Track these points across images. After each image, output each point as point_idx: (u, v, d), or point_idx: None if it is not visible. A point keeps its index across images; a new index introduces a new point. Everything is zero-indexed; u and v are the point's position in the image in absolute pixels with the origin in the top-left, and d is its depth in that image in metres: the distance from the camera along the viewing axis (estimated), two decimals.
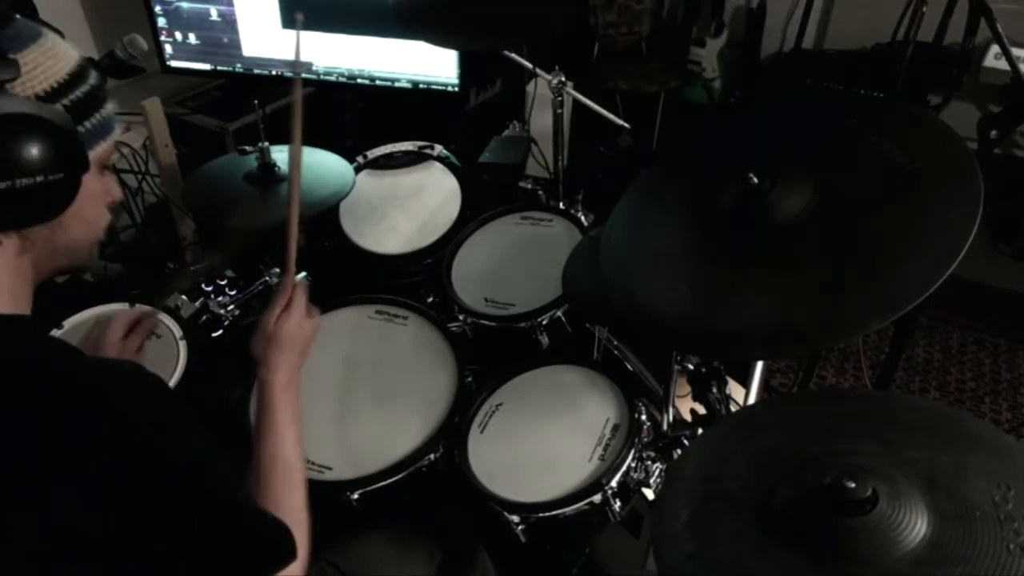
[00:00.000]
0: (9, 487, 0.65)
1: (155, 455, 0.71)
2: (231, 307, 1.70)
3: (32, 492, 0.66)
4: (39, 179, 0.72)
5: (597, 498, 1.19)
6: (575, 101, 1.88)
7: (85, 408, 0.68)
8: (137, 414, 0.71)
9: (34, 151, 0.71)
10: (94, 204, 0.82)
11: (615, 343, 1.63)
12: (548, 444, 1.29)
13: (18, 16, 0.77)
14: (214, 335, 1.67)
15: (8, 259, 0.76)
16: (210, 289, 1.80)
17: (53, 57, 0.75)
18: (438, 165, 1.93)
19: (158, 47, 2.23)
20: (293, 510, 0.89)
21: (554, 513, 1.19)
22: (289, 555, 0.80)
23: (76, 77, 0.77)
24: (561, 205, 1.82)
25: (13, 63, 0.71)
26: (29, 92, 0.72)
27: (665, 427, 1.44)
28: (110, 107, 0.82)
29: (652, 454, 1.29)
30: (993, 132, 2.78)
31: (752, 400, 1.56)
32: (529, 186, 2.02)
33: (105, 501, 0.67)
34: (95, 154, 0.79)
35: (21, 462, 0.66)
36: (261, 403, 1.00)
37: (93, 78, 0.80)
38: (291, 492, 0.92)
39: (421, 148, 1.95)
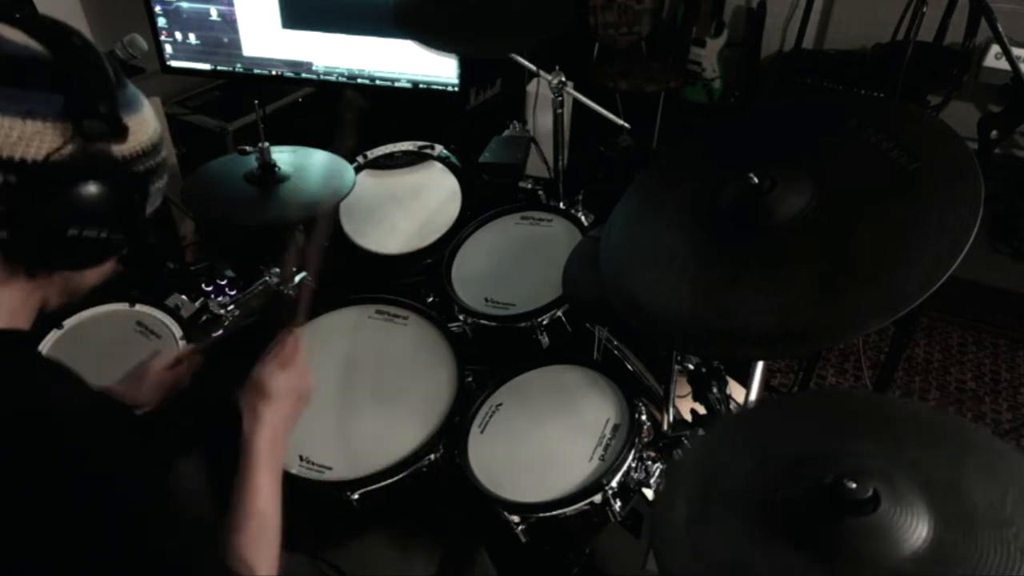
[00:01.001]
0: None
1: (109, 500, 0.70)
2: (231, 307, 1.70)
3: None
4: (102, 234, 0.74)
5: (597, 498, 1.19)
6: (575, 101, 1.88)
7: (40, 440, 0.68)
8: (93, 457, 0.70)
9: (109, 207, 0.74)
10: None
11: (615, 343, 1.63)
12: (548, 444, 1.29)
13: (126, 79, 0.80)
14: (214, 335, 1.67)
15: (20, 290, 0.76)
16: (210, 289, 1.80)
17: (147, 123, 0.79)
18: (438, 165, 1.93)
19: (158, 47, 2.23)
20: (263, 562, 0.87)
21: (554, 513, 1.19)
22: None
23: (155, 146, 0.80)
24: (561, 205, 1.82)
25: (125, 128, 0.74)
26: (121, 153, 0.75)
27: (665, 427, 1.44)
28: (165, 179, 0.84)
29: (652, 454, 1.29)
30: (993, 132, 2.78)
31: (752, 400, 1.56)
32: (529, 186, 2.02)
33: (54, 546, 0.66)
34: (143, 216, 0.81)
35: None
36: (244, 455, 0.93)
37: (163, 149, 0.82)
38: (262, 545, 0.88)
39: (421, 148, 1.95)
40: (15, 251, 0.73)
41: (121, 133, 0.73)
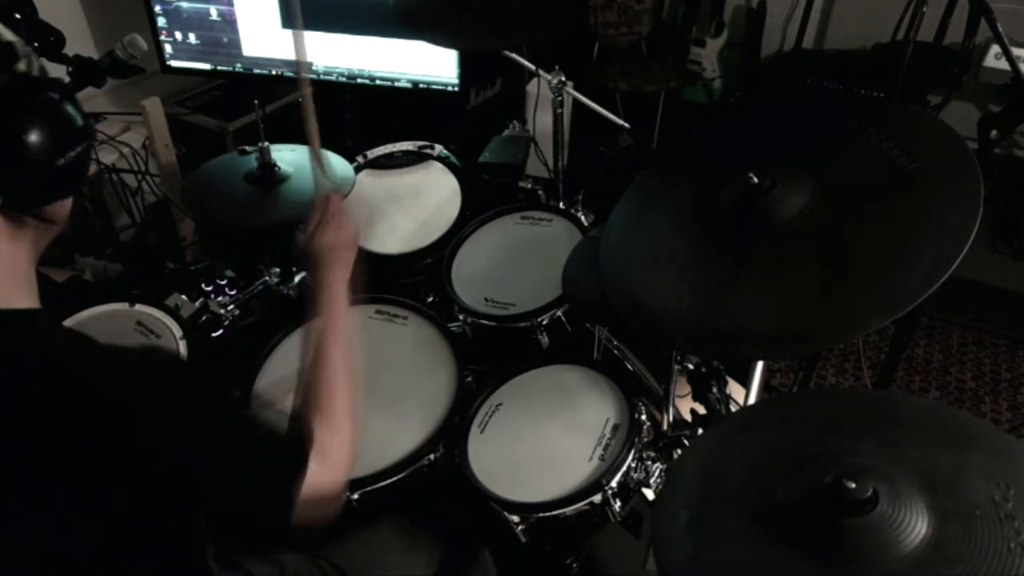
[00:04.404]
0: (13, 479, 0.66)
1: (158, 446, 0.71)
2: (231, 307, 1.70)
3: (39, 486, 0.66)
4: (79, 149, 0.75)
5: (597, 498, 1.19)
6: (575, 101, 1.88)
7: (92, 406, 0.69)
8: (145, 410, 0.71)
9: (72, 123, 0.75)
10: None
11: (615, 343, 1.63)
12: (548, 444, 1.29)
13: None
14: (214, 335, 1.67)
15: (21, 245, 0.76)
16: (210, 289, 1.80)
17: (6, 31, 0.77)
18: (438, 165, 1.93)
19: (158, 47, 2.23)
20: (336, 417, 0.90)
21: (554, 513, 1.19)
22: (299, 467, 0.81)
23: (17, 43, 0.79)
24: (561, 205, 1.82)
25: (9, 44, 0.72)
26: (24, 68, 0.74)
27: (665, 427, 1.44)
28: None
29: (652, 454, 1.29)
30: (993, 132, 2.78)
31: (752, 400, 1.56)
32: (529, 186, 2.02)
33: (109, 500, 0.68)
34: None
35: (28, 458, 0.66)
36: (319, 298, 1.02)
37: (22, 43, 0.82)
38: (334, 400, 0.92)
39: (421, 148, 1.95)
40: (19, 206, 0.73)
41: (11, 51, 0.72)
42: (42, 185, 0.74)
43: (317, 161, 1.17)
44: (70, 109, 0.75)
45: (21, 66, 0.73)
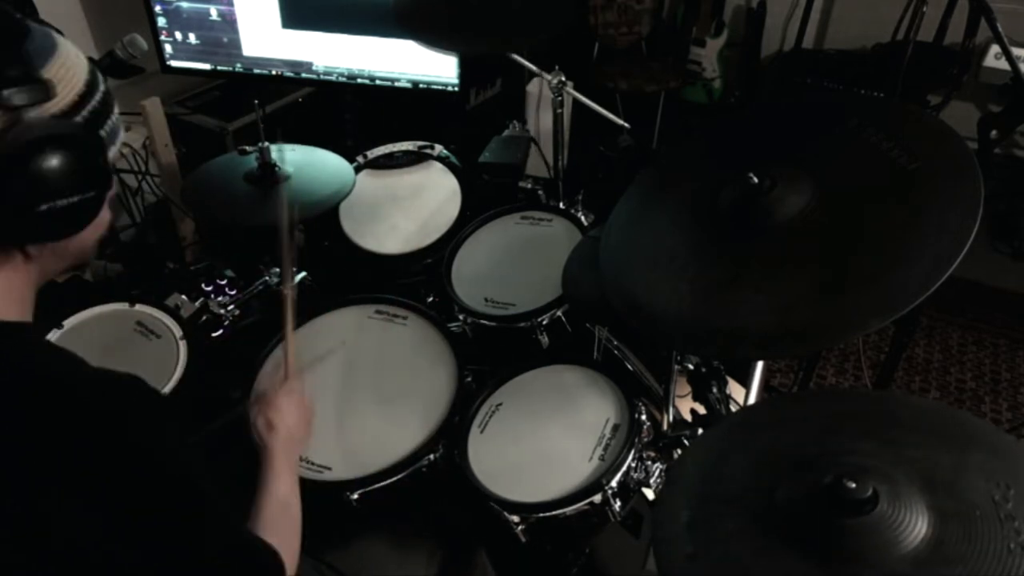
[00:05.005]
0: (2, 494, 0.65)
1: (149, 467, 0.71)
2: (231, 307, 1.70)
3: (24, 500, 0.66)
4: (73, 198, 0.71)
5: (597, 498, 1.19)
6: (575, 101, 1.88)
7: (80, 418, 0.68)
8: (132, 425, 0.71)
9: (69, 169, 0.69)
10: (105, 207, 0.80)
11: (615, 343, 1.63)
12: (548, 444, 1.29)
13: (31, 22, 0.72)
14: (214, 335, 1.67)
15: (21, 269, 0.75)
16: (210, 289, 1.80)
17: (70, 65, 0.72)
18: (438, 165, 1.93)
19: (158, 47, 2.22)
20: (284, 544, 0.89)
21: (554, 513, 1.19)
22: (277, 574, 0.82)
23: (91, 85, 0.74)
24: (561, 205, 1.82)
25: (45, 84, 0.68)
26: (53, 109, 0.69)
27: (665, 427, 1.44)
28: (117, 108, 0.79)
29: (652, 454, 1.29)
30: (993, 132, 2.78)
31: (752, 400, 1.56)
32: (529, 186, 2.02)
33: (96, 511, 0.67)
34: (110, 158, 0.78)
35: (14, 470, 0.66)
36: (262, 458, 1.04)
37: (103, 82, 0.77)
38: (282, 527, 0.94)
39: (421, 148, 1.95)
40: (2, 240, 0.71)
41: (45, 91, 0.68)
42: (19, 226, 0.70)
43: (289, 352, 1.22)
44: (81, 157, 0.71)
45: (78, 118, 0.71)
